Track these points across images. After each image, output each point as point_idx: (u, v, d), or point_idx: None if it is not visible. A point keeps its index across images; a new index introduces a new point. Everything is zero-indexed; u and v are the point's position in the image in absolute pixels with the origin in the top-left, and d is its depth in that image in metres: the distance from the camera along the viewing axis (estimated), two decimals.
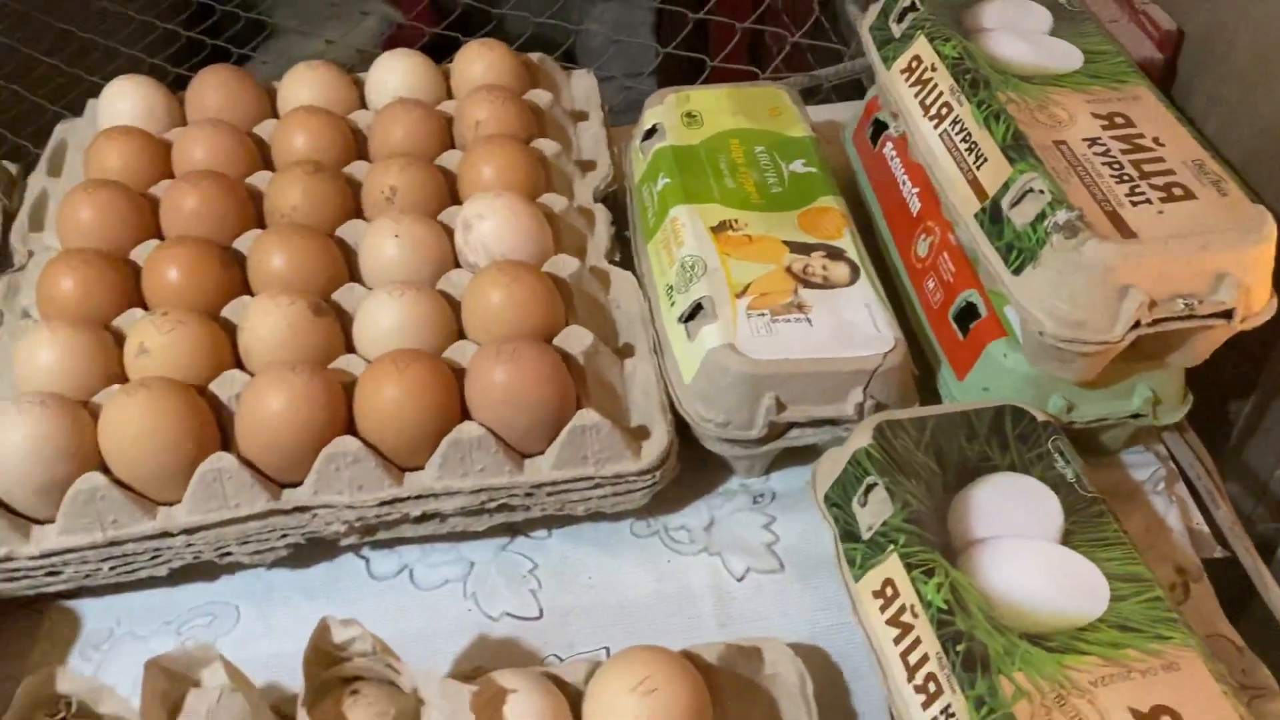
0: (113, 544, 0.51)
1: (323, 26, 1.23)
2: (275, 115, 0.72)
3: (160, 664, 0.43)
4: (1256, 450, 0.66)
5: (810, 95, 0.87)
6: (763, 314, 0.56)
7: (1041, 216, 0.49)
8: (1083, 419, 0.54)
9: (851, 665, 0.52)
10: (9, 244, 0.67)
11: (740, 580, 0.55)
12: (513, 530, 0.57)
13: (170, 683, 0.43)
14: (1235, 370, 0.64)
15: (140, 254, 0.61)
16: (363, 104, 0.73)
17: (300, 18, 1.23)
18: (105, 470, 0.51)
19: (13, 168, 0.74)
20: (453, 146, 0.69)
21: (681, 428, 0.57)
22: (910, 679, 0.44)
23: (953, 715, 0.42)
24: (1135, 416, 0.55)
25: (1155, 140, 0.53)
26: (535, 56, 0.76)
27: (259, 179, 0.66)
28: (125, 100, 0.71)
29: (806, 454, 0.59)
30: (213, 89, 0.71)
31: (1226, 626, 0.52)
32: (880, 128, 0.68)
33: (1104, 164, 0.52)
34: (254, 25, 1.15)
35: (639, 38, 1.15)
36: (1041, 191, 0.50)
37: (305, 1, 1.31)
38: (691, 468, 0.58)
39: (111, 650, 0.53)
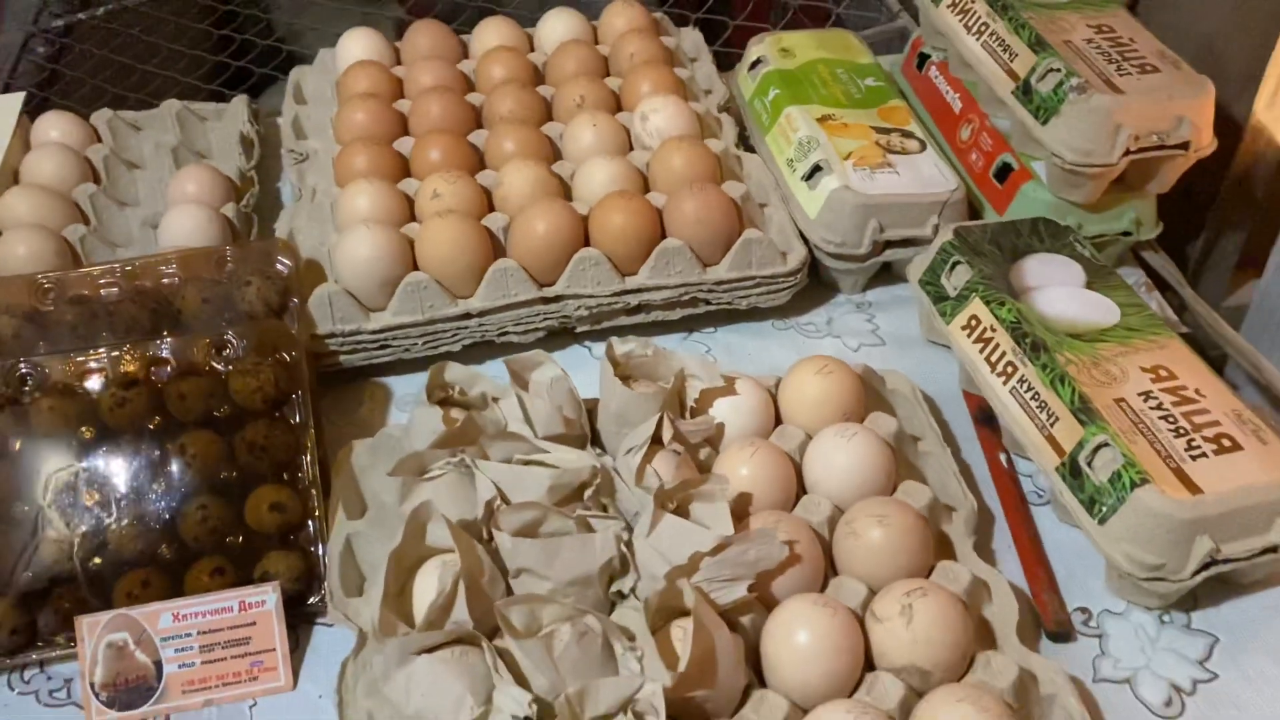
0: (429, 322, 0.74)
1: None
2: (467, 56, 0.95)
3: (512, 363, 0.65)
4: (1206, 284, 0.91)
5: None
6: (864, 169, 0.80)
7: (1060, 84, 0.74)
8: (1088, 234, 0.78)
9: (938, 397, 0.74)
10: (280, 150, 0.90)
11: (855, 351, 0.78)
12: (689, 328, 0.80)
13: (514, 376, 0.65)
14: (1190, 225, 0.89)
15: (401, 146, 0.84)
16: (531, 48, 0.96)
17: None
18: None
19: (254, 104, 0.97)
20: (608, 74, 0.92)
21: None
22: (994, 370, 0.68)
23: (1025, 380, 0.65)
24: (1125, 234, 0.80)
25: (1131, 40, 0.78)
26: (657, 15, 1.00)
27: (471, 98, 0.89)
28: (357, 45, 0.94)
29: (890, 279, 0.83)
30: (424, 36, 0.94)
31: None
32: (923, 58, 0.93)
33: (1097, 53, 0.76)
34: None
35: None
36: (1058, 69, 0.75)
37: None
38: (810, 290, 0.82)
39: (417, 407, 0.74)
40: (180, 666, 0.59)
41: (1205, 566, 0.58)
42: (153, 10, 1.35)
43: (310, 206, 0.81)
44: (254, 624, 0.59)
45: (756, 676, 0.55)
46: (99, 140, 0.91)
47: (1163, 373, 0.64)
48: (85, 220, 0.83)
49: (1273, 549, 0.58)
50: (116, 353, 0.64)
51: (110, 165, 0.88)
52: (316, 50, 0.97)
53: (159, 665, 0.59)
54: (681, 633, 0.52)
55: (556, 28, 0.95)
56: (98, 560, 0.61)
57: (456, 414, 0.64)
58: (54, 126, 0.90)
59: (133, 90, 1.20)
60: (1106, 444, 0.60)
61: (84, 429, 0.63)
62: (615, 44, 0.93)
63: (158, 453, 0.63)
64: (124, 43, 1.31)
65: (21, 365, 0.64)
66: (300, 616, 0.62)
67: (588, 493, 0.59)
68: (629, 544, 0.57)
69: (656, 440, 0.61)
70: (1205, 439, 0.60)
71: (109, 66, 1.27)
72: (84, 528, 0.61)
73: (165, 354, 0.65)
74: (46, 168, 0.86)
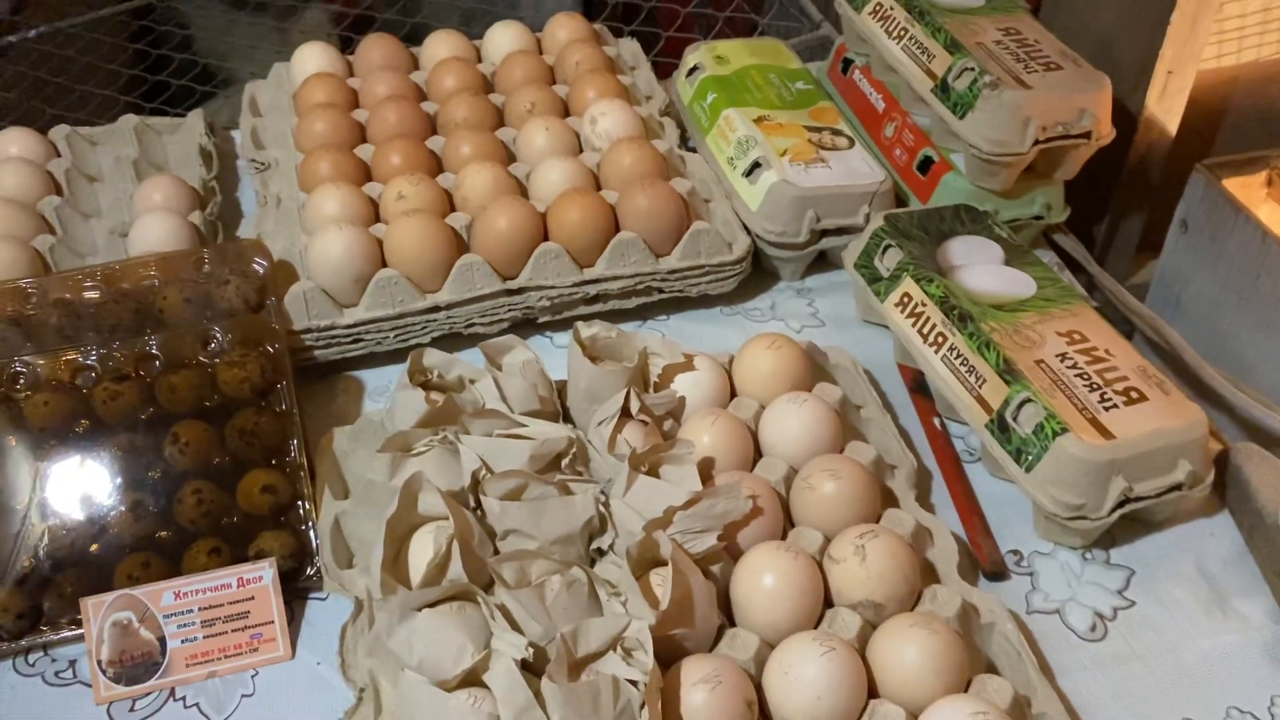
0: (399, 316, 0.78)
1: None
2: (417, 67, 0.99)
3: (486, 348, 0.69)
4: (1112, 263, 0.99)
5: None
6: (800, 164, 0.86)
7: (974, 82, 0.81)
8: (1004, 219, 0.86)
9: (875, 371, 0.80)
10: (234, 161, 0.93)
11: (799, 332, 0.85)
12: (644, 316, 0.85)
13: (489, 360, 0.70)
14: (1095, 209, 0.98)
15: (361, 152, 0.88)
16: (479, 58, 1.01)
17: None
18: None
19: (208, 119, 1.00)
20: (554, 82, 0.98)
21: None
22: (926, 341, 0.74)
23: (954, 348, 0.72)
24: (1037, 218, 0.87)
25: (1036, 41, 0.86)
26: (596, 26, 1.06)
27: (425, 106, 0.93)
28: (312, 59, 0.97)
29: (826, 266, 0.89)
30: (376, 49, 0.98)
31: None
32: (847, 63, 1.00)
33: (1007, 53, 0.84)
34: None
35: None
36: (972, 68, 0.82)
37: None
38: (754, 278, 0.88)
39: (394, 396, 0.78)
40: (183, 641, 0.62)
41: (1120, 504, 0.65)
42: (85, 32, 1.38)
43: (276, 212, 0.85)
44: (252, 598, 0.63)
45: (728, 619, 0.60)
46: (58, 155, 0.94)
47: (1076, 336, 0.71)
48: (52, 231, 0.86)
49: (1177, 487, 0.66)
50: (106, 350, 0.68)
51: (71, 179, 0.90)
52: (244, 69, 1.00)
53: (163, 641, 0.62)
54: (660, 579, 0.57)
55: (502, 39, 1.00)
56: (96, 546, 0.64)
57: (436, 396, 0.68)
58: (14, 142, 0.92)
59: (69, 110, 1.22)
60: (1030, 400, 0.67)
61: (79, 423, 0.66)
62: (560, 54, 0.99)
63: (152, 443, 0.66)
64: (58, 64, 1.33)
65: (14, 364, 0.66)
66: (293, 592, 0.65)
67: (565, 461, 0.64)
68: (606, 504, 0.62)
69: (625, 413, 0.66)
70: (1116, 392, 0.67)
71: (45, 87, 1.29)
72: (83, 516, 0.64)
73: (154, 350, 0.68)
74: (9, 182, 0.88)
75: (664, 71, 1.05)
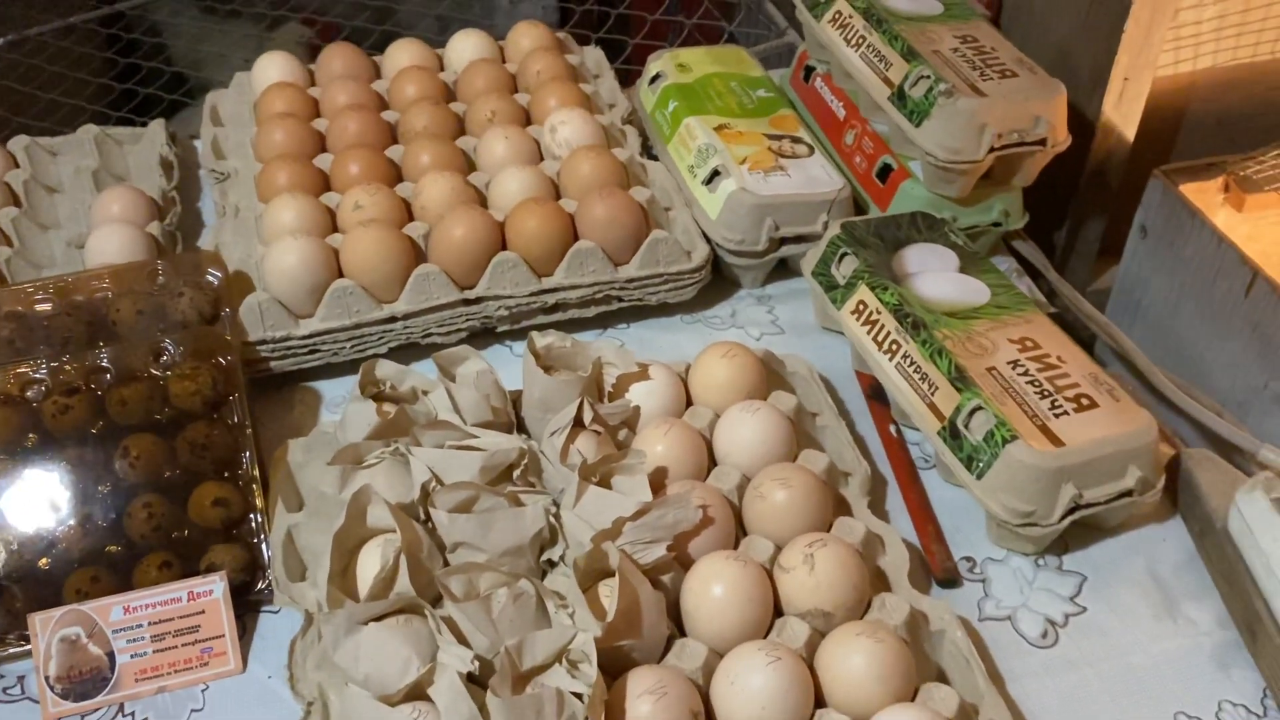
0: (355, 327, 0.78)
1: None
2: (379, 76, 0.99)
3: (439, 359, 0.69)
4: (1073, 269, 1.00)
5: None
6: (758, 172, 0.86)
7: (930, 89, 0.81)
8: (962, 226, 0.86)
9: (833, 378, 0.81)
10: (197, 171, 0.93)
11: (758, 340, 0.85)
12: (604, 324, 0.85)
13: (442, 371, 0.70)
14: (1055, 216, 0.98)
15: (320, 162, 0.88)
16: (441, 67, 1.01)
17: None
18: None
19: (170, 128, 1.00)
20: (516, 90, 0.98)
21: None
22: (880, 348, 0.74)
23: (908, 355, 0.72)
24: (995, 225, 0.88)
25: (991, 49, 0.86)
26: (560, 34, 1.06)
27: (386, 115, 0.93)
28: (273, 68, 0.97)
29: (786, 273, 0.89)
30: (337, 58, 0.98)
31: None
32: (809, 70, 1.00)
33: (962, 60, 0.84)
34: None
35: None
36: (928, 76, 0.82)
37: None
38: (714, 286, 0.88)
39: (346, 408, 0.78)
40: (133, 656, 0.62)
41: (1071, 511, 0.65)
42: (54, 40, 1.37)
43: (234, 222, 0.85)
44: (203, 612, 0.63)
45: (678, 628, 0.60)
46: (16, 166, 0.93)
47: (1028, 343, 0.71)
48: (9, 243, 0.85)
49: (1128, 493, 0.66)
50: (56, 363, 0.67)
51: (30, 190, 0.90)
52: (217, 77, 1.00)
53: (112, 656, 0.61)
54: (609, 590, 0.57)
55: (465, 48, 1.00)
56: (45, 561, 0.64)
57: (388, 408, 0.68)
58: None
59: (37, 119, 1.22)
60: (980, 407, 0.67)
61: (28, 437, 0.66)
62: (522, 62, 0.99)
63: (101, 456, 0.66)
64: (26, 72, 1.32)
65: None
66: (245, 605, 0.65)
67: (516, 472, 0.64)
68: (557, 516, 0.62)
69: (578, 423, 0.66)
70: (1066, 399, 0.67)
71: (12, 96, 1.28)
72: (32, 530, 0.64)
73: (104, 362, 0.68)
74: None
75: (631, 79, 1.05)
